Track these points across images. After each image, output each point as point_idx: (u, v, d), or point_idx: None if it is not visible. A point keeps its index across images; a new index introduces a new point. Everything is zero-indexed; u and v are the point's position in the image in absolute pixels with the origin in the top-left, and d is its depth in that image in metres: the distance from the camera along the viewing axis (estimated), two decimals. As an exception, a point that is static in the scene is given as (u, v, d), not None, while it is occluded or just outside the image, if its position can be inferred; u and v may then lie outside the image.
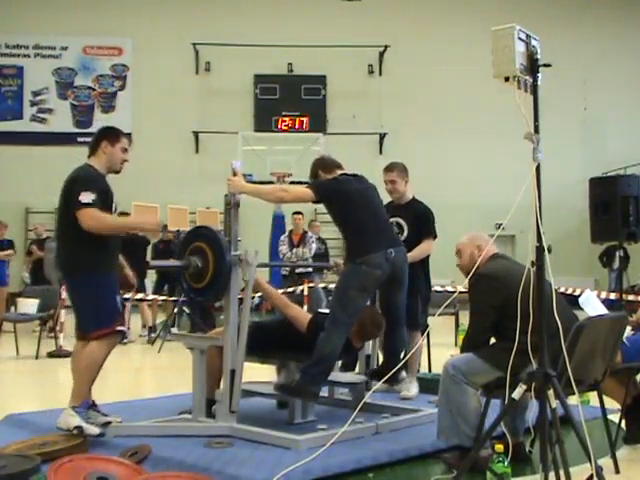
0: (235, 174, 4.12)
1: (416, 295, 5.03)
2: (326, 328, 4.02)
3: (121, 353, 8.88)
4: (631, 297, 8.81)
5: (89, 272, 3.95)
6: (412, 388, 5.24)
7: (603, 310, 4.05)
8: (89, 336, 3.96)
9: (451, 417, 3.45)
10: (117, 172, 4.17)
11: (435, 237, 5.36)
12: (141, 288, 9.79)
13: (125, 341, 9.59)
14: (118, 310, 4.07)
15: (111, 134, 4.17)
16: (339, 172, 4.35)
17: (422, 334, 5.12)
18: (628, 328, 3.85)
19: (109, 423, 3.95)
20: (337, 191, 4.20)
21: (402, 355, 4.50)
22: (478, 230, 3.94)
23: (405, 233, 5.14)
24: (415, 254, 5.08)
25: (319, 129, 15.85)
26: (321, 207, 4.34)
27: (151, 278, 10.84)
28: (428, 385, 5.35)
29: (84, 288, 3.97)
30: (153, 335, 9.61)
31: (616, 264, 14.05)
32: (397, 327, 4.38)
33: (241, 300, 4.06)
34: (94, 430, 3.78)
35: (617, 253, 13.89)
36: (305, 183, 4.41)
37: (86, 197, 3.87)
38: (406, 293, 4.40)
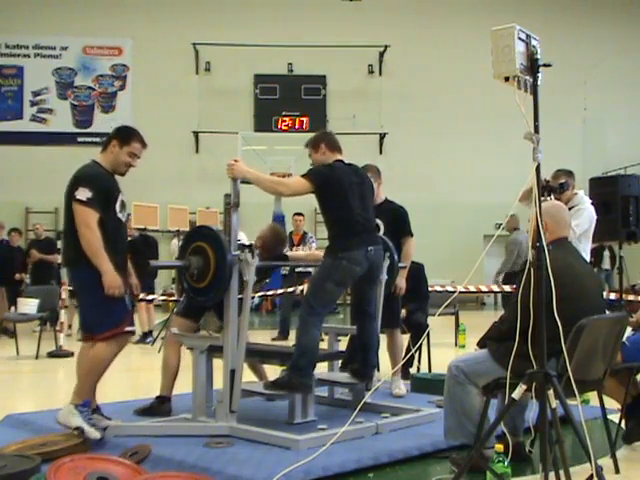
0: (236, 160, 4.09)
1: (397, 295, 5.23)
2: (301, 318, 4.06)
3: (121, 353, 8.89)
4: (631, 297, 8.80)
5: (93, 267, 3.78)
6: (402, 386, 5.35)
7: None
8: (95, 337, 3.88)
9: (456, 417, 3.45)
10: (121, 174, 4.05)
11: (412, 235, 5.46)
12: (151, 288, 9.78)
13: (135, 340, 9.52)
14: (127, 309, 3.97)
15: (123, 135, 4.03)
16: (338, 157, 4.31)
17: (422, 334, 5.17)
18: (628, 328, 3.85)
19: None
20: (332, 179, 4.15)
21: (376, 349, 4.53)
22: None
23: (381, 233, 5.19)
24: (407, 259, 5.36)
25: (319, 129, 15.76)
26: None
27: (160, 278, 10.83)
28: (428, 385, 5.36)
29: (88, 281, 3.80)
30: (149, 340, 9.53)
31: (605, 264, 14.08)
32: (370, 321, 4.43)
33: (241, 300, 4.06)
34: (95, 434, 3.76)
35: (604, 253, 13.94)
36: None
37: (81, 194, 3.78)
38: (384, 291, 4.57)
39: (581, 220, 4.94)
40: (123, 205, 4.03)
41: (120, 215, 3.99)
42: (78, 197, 3.79)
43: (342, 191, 4.14)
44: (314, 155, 4.36)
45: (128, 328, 3.96)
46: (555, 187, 4.56)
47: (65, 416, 3.80)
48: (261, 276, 4.57)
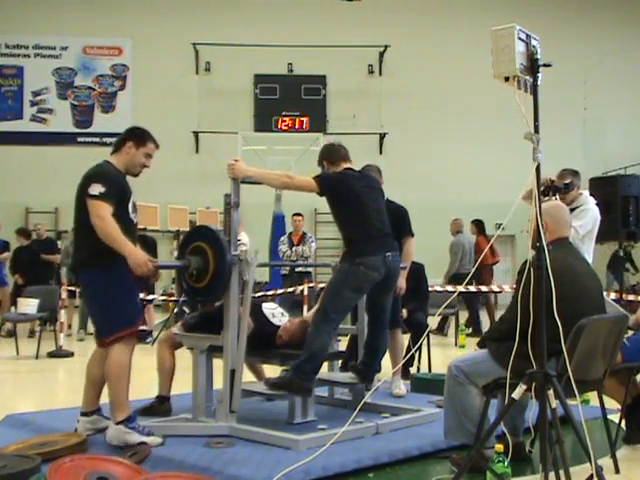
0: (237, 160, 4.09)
1: (397, 295, 5.20)
2: (315, 323, 4.04)
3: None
4: (631, 297, 8.81)
5: (103, 269, 3.75)
6: (402, 386, 5.37)
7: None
8: (106, 341, 3.82)
9: (456, 417, 3.45)
10: (135, 175, 4.02)
11: (412, 235, 5.46)
12: (151, 288, 9.70)
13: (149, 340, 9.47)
14: (138, 310, 3.95)
15: (138, 136, 4.02)
16: (345, 166, 4.33)
17: (422, 334, 5.17)
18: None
19: None
20: (343, 187, 4.17)
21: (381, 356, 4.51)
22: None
23: None
24: (408, 259, 5.36)
25: (319, 129, 15.84)
26: (321, 208, 4.33)
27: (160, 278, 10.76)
28: (428, 385, 5.36)
29: (98, 285, 3.77)
30: (149, 340, 9.45)
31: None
32: (381, 329, 4.41)
33: (241, 300, 4.06)
34: (157, 440, 3.76)
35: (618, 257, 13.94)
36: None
37: (94, 189, 3.73)
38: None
39: (585, 221, 4.94)
40: (134, 207, 3.99)
41: (132, 216, 3.96)
42: (91, 192, 3.74)
43: (355, 194, 4.15)
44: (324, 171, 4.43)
45: (139, 328, 3.95)
46: (560, 187, 4.54)
47: (118, 437, 3.74)
48: None
